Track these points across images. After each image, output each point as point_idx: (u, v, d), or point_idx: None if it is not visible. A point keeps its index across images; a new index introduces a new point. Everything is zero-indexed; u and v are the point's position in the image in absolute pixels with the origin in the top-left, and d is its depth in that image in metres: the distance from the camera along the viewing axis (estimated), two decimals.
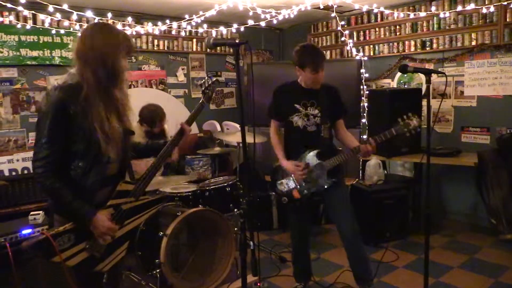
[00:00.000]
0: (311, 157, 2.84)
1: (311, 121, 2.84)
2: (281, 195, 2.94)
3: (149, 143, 2.19)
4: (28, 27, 4.23)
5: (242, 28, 5.23)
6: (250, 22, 4.79)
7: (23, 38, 4.30)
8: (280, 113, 2.93)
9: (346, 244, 2.90)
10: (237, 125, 5.30)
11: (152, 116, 3.64)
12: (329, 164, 2.81)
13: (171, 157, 2.10)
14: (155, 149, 2.11)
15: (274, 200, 4.52)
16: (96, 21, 4.53)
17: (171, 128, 3.83)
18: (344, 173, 3.01)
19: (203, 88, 2.26)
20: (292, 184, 2.89)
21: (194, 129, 5.32)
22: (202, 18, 4.62)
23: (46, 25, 4.27)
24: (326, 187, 2.82)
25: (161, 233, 2.85)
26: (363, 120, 5.01)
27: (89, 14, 4.20)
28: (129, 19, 4.75)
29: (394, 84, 5.20)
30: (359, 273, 2.93)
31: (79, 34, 1.81)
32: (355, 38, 5.45)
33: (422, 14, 4.64)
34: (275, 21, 4.81)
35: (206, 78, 2.30)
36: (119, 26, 4.61)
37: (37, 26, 4.31)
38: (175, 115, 3.78)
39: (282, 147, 2.95)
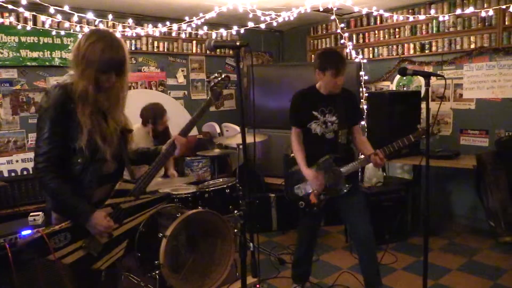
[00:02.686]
0: (328, 163, 2.82)
1: (329, 128, 2.84)
2: (298, 200, 2.93)
3: (139, 150, 2.18)
4: (28, 28, 4.24)
5: (242, 30, 5.24)
6: (250, 24, 4.80)
7: (23, 39, 4.31)
8: (300, 120, 2.91)
9: (360, 247, 2.90)
10: (237, 127, 5.30)
11: (153, 113, 3.65)
12: (345, 170, 2.80)
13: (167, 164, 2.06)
14: (145, 157, 2.11)
15: (273, 202, 4.52)
16: (96, 22, 4.54)
17: (171, 130, 3.84)
18: (359, 179, 3.01)
19: (211, 84, 2.08)
20: (309, 189, 2.88)
21: (193, 131, 5.32)
22: (202, 20, 4.63)
23: (47, 26, 4.27)
24: (343, 192, 2.81)
25: (161, 234, 2.85)
26: (362, 123, 5.02)
27: (89, 15, 4.21)
28: (130, 20, 4.76)
29: (393, 86, 5.21)
30: (370, 277, 2.91)
31: (80, 37, 1.82)
32: (354, 41, 5.46)
33: (422, 17, 4.65)
34: (275, 23, 4.82)
35: (216, 74, 2.10)
36: (119, 27, 4.62)
37: (38, 27, 4.32)
38: (175, 116, 3.79)
39: (304, 154, 2.90)
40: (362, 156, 2.97)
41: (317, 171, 2.83)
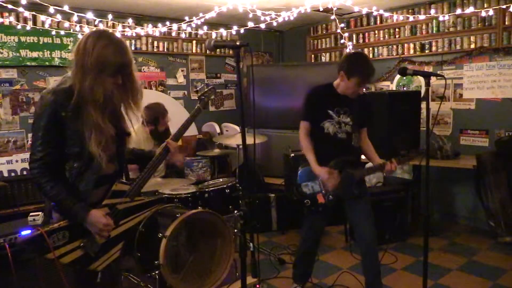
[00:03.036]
0: (340, 164, 2.78)
1: (342, 128, 2.79)
2: (304, 198, 2.87)
3: (135, 151, 2.18)
4: (28, 28, 4.23)
5: (242, 30, 5.24)
6: (250, 24, 4.79)
7: (23, 39, 4.31)
8: (312, 117, 2.84)
9: (364, 249, 2.89)
10: (237, 127, 5.30)
11: (154, 114, 3.64)
12: (357, 175, 2.77)
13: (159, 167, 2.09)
14: (141, 158, 2.13)
15: (273, 202, 4.52)
16: (96, 22, 4.54)
17: (172, 130, 3.83)
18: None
19: (199, 94, 2.27)
20: (317, 188, 2.82)
21: (193, 131, 5.33)
22: (202, 20, 4.63)
23: (46, 26, 4.27)
24: (351, 196, 2.79)
25: (160, 234, 2.84)
26: None
27: (89, 15, 4.20)
28: (130, 20, 4.75)
29: (393, 86, 5.21)
30: (371, 279, 2.90)
31: (80, 37, 1.81)
32: (354, 41, 5.46)
33: (422, 17, 4.65)
34: (275, 23, 4.82)
35: (203, 85, 2.34)
36: (119, 27, 4.62)
37: (37, 27, 4.32)
38: (175, 116, 3.78)
39: (313, 151, 2.83)
40: (370, 164, 2.96)
41: (331, 168, 2.77)
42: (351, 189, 2.78)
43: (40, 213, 2.97)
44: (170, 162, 2.18)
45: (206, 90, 2.26)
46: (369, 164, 3.04)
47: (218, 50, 5.87)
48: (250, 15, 4.50)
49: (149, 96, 5.07)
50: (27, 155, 4.27)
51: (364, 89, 2.76)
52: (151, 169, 2.02)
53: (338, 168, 2.78)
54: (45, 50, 4.45)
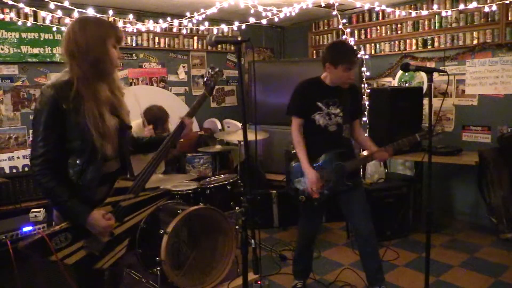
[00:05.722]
0: (332, 157, 2.79)
1: (332, 120, 2.78)
2: (299, 194, 2.88)
3: (149, 140, 2.15)
4: (29, 24, 4.22)
5: (243, 26, 5.22)
6: (251, 20, 4.78)
7: (24, 35, 4.30)
8: (303, 111, 2.83)
9: (362, 243, 2.89)
10: (238, 123, 5.29)
11: (156, 119, 3.62)
12: (349, 167, 2.77)
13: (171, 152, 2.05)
14: (156, 143, 2.08)
15: (274, 198, 4.51)
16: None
17: (172, 127, 3.82)
18: (361, 174, 2.99)
19: (205, 79, 2.19)
20: None
21: (195, 127, 5.32)
22: (203, 15, 4.61)
23: (47, 22, 4.26)
24: (345, 188, 2.79)
25: (162, 230, 2.85)
26: (364, 119, 5.00)
27: (90, 11, 4.18)
28: (130, 16, 4.73)
29: (395, 82, 5.19)
30: (372, 273, 2.90)
31: (64, 31, 1.80)
32: (356, 37, 5.44)
33: (424, 12, 4.62)
34: (276, 19, 4.80)
35: (209, 69, 2.19)
36: (120, 23, 4.60)
37: (38, 23, 4.31)
38: (176, 113, 3.76)
39: (305, 149, 2.82)
40: (364, 153, 2.95)
41: (319, 172, 2.77)
42: (344, 181, 2.78)
43: (41, 209, 2.96)
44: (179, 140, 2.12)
45: (212, 73, 2.17)
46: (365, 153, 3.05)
47: (219, 46, 5.91)
48: (252, 11, 4.47)
49: (150, 93, 5.10)
50: (28, 152, 4.27)
51: (352, 77, 2.73)
52: (161, 155, 1.99)
53: (327, 163, 2.79)
54: (46, 46, 4.45)
